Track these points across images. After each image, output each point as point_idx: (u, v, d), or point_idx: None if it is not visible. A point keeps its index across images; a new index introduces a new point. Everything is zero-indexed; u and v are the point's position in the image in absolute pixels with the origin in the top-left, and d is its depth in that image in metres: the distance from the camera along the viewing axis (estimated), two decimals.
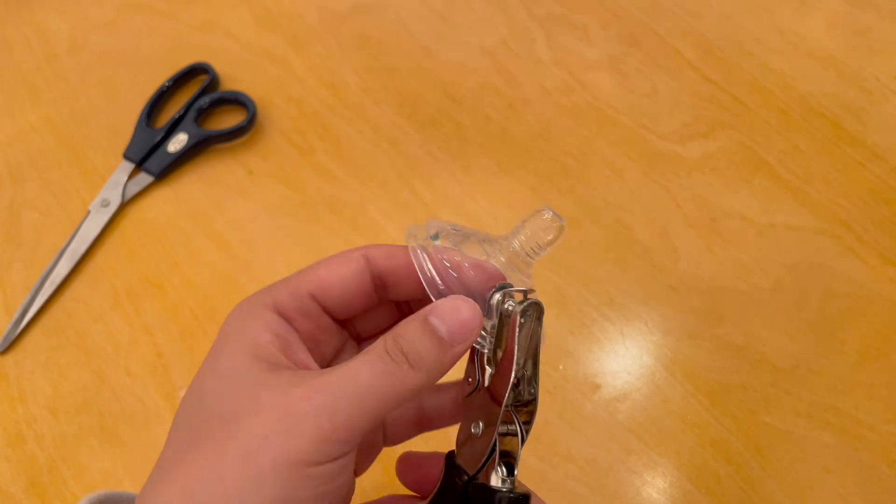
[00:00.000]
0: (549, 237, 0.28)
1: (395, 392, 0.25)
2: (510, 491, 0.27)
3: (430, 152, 0.56)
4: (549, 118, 0.57)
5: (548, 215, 0.28)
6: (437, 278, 0.28)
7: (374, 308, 0.31)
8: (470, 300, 0.27)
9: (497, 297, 0.28)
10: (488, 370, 0.28)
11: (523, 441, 0.27)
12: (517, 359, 0.27)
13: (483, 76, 0.60)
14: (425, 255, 0.28)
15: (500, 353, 0.28)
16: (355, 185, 0.54)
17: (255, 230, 0.53)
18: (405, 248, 0.29)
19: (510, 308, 0.27)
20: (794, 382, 0.45)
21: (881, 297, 0.48)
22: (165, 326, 0.49)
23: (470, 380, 0.29)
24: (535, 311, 0.27)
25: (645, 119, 0.57)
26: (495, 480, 0.27)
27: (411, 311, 0.28)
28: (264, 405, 0.24)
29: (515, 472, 0.27)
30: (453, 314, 0.26)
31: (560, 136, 0.56)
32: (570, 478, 0.42)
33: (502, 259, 0.29)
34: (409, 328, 0.26)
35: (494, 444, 0.27)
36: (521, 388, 0.28)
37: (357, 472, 0.31)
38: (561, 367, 0.46)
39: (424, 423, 0.33)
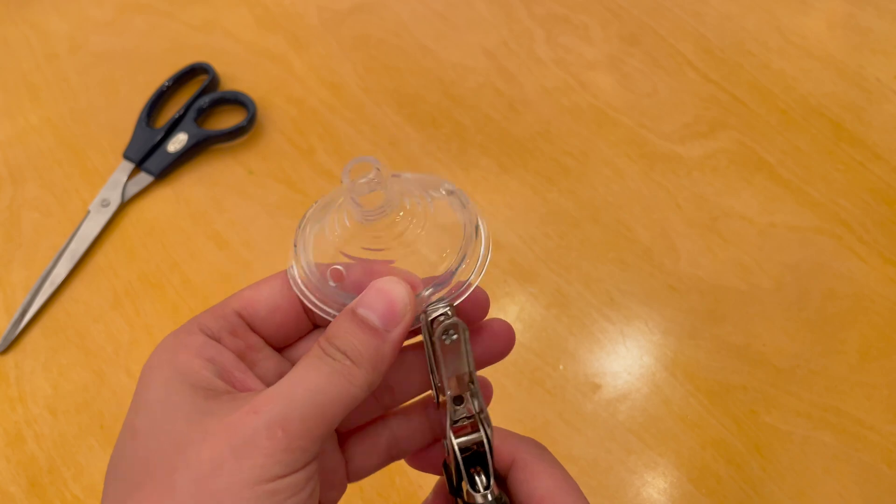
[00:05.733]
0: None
1: (345, 391, 0.24)
2: (487, 500, 0.27)
3: (430, 152, 0.56)
4: (549, 118, 0.57)
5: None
6: (323, 305, 0.27)
7: (311, 334, 0.29)
8: (396, 279, 0.25)
9: (422, 316, 0.27)
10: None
11: (490, 447, 0.27)
12: (446, 375, 0.26)
13: (483, 76, 0.60)
14: (299, 285, 0.27)
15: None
16: None
17: (255, 230, 0.53)
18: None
19: (439, 322, 0.26)
20: (794, 382, 0.45)
21: (882, 297, 0.48)
22: (165, 326, 0.49)
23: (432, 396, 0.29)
24: (458, 330, 0.26)
25: (645, 119, 0.57)
26: (470, 493, 0.27)
27: None
28: (209, 431, 0.23)
29: (491, 480, 0.27)
30: (379, 298, 0.25)
31: (560, 136, 0.56)
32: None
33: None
34: (340, 326, 0.25)
35: (456, 460, 0.27)
36: (462, 405, 0.27)
37: None
38: (561, 367, 0.46)
39: (394, 448, 0.30)
